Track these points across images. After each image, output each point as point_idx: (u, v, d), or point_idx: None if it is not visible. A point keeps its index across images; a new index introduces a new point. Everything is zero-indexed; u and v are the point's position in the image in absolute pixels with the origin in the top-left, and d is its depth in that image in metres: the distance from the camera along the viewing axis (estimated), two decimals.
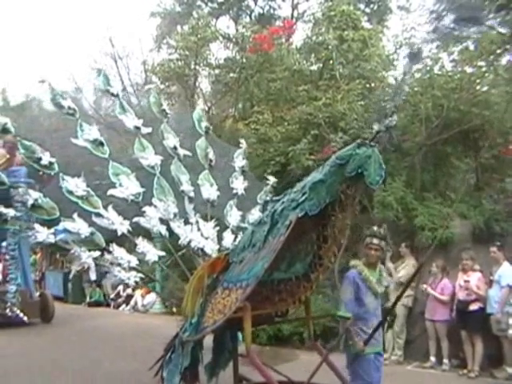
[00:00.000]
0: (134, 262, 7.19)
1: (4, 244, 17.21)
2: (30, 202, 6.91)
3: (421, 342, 10.51)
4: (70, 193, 7.12)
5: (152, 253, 7.28)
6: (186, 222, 7.73)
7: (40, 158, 7.24)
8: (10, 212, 6.95)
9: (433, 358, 9.98)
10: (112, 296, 19.46)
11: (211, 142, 8.98)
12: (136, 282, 7.22)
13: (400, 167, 12.83)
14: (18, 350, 10.61)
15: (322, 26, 17.20)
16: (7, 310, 12.55)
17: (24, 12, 69.84)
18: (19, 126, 14.08)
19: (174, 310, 16.12)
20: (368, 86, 15.64)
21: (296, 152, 13.32)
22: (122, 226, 7.16)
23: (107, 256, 7.06)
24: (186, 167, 8.39)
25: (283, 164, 13.83)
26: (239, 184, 8.55)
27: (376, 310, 5.72)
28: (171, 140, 8.27)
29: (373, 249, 5.70)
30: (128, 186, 7.42)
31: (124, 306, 18.16)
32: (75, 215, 6.92)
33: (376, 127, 4.72)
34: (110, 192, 7.37)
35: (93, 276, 19.68)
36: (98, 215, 7.15)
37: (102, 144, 7.73)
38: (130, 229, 7.31)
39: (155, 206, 7.48)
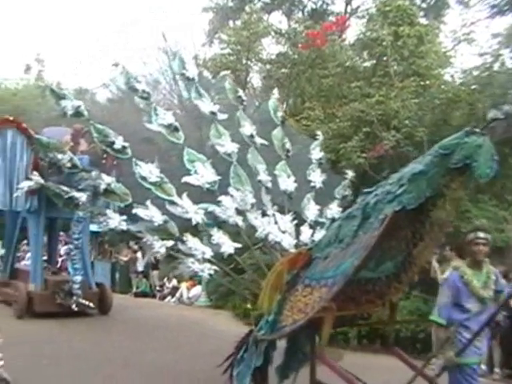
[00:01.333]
0: (209, 253, 6.63)
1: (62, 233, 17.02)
2: (103, 186, 6.58)
3: None
4: (144, 179, 6.77)
5: (228, 244, 6.78)
6: (264, 214, 7.30)
7: (113, 142, 6.93)
8: (83, 196, 6.52)
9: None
10: (158, 287, 19.65)
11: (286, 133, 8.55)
12: (210, 275, 6.65)
13: None
14: (67, 338, 10.74)
15: (377, 22, 16.74)
16: (72, 301, 12.31)
17: (77, 6, 71.12)
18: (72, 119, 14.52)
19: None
20: (423, 83, 15.08)
21: (347, 149, 13.06)
22: (196, 215, 6.71)
23: (181, 246, 6.57)
24: (262, 157, 7.96)
25: (333, 161, 13.22)
26: (317, 177, 8.08)
27: (481, 317, 5.08)
28: (248, 128, 7.85)
29: (480, 243, 5.15)
30: (203, 174, 7.03)
31: (169, 297, 18.17)
32: (148, 202, 6.56)
33: (492, 114, 4.16)
34: (185, 179, 6.99)
35: (140, 267, 20.18)
36: (172, 203, 6.77)
37: (176, 129, 7.38)
38: (205, 218, 6.86)
39: (231, 196, 7.05)
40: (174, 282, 18.69)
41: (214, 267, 6.68)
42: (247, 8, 21.48)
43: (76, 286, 12.36)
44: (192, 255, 6.52)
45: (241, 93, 8.29)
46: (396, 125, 13.23)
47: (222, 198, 6.93)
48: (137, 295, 19.11)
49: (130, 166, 6.92)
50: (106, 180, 6.63)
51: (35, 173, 7.83)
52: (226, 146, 7.46)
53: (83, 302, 12.38)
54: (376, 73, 16.04)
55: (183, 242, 6.58)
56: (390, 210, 4.52)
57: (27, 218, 13.75)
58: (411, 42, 15.35)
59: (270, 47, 20.82)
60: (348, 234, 5.13)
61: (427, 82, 15.49)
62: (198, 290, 17.09)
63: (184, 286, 17.65)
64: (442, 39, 18.04)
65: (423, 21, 18.19)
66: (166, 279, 19.38)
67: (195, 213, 6.69)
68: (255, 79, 21.37)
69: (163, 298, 18.54)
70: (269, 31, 19.83)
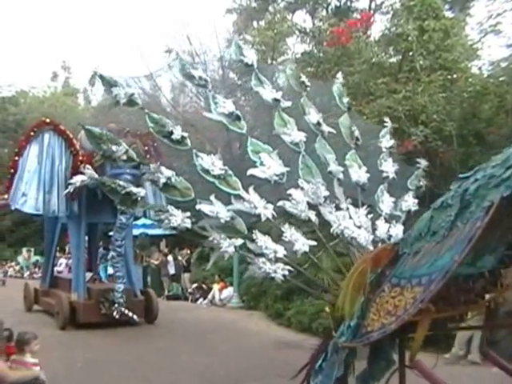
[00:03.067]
0: (281, 252, 5.94)
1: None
2: (162, 180, 5.96)
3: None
4: (206, 172, 6.15)
5: (301, 242, 6.07)
6: (337, 208, 6.61)
7: (171, 132, 6.31)
8: (141, 191, 6.02)
9: None
10: (190, 290, 19.81)
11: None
12: (284, 276, 5.91)
13: (484, 161, 12.37)
14: (100, 341, 10.94)
15: (402, 17, 16.68)
16: (114, 311, 11.74)
17: (103, 14, 71.95)
18: (98, 123, 14.43)
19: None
20: (450, 77, 14.90)
21: None
22: (266, 211, 6.06)
23: (250, 245, 5.90)
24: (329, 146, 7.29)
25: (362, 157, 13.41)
26: (389, 167, 7.45)
27: None
28: (313, 115, 7.20)
29: None
30: (270, 165, 6.39)
31: (201, 299, 18.30)
32: (212, 197, 5.93)
33: None
34: (251, 172, 6.33)
35: (171, 270, 20.33)
36: (238, 197, 6.11)
37: (238, 118, 6.78)
38: (275, 214, 6.20)
39: (302, 189, 6.40)
40: (206, 284, 18.91)
41: (288, 267, 5.99)
42: (271, 8, 21.52)
43: (118, 295, 11.80)
44: (263, 255, 5.89)
45: (304, 78, 7.70)
46: (424, 120, 13.12)
47: (291, 191, 6.33)
48: (169, 298, 19.11)
49: (190, 157, 6.41)
50: (166, 173, 6.03)
51: (88, 167, 7.24)
52: (293, 134, 6.88)
53: (126, 312, 11.81)
54: (402, 68, 15.90)
55: (252, 240, 5.95)
56: (497, 195, 3.88)
57: (67, 223, 13.28)
58: (437, 35, 15.16)
59: (295, 46, 20.87)
60: (443, 225, 4.49)
61: (454, 76, 15.24)
62: (229, 291, 17.13)
63: (216, 287, 17.78)
64: (469, 32, 17.85)
65: (449, 14, 18.00)
66: (199, 280, 19.58)
67: (264, 208, 6.07)
68: (281, 79, 21.41)
69: (195, 300, 18.69)
70: (293, 30, 19.79)
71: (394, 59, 17.15)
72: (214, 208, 5.90)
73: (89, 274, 14.09)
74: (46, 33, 74.59)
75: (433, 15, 15.57)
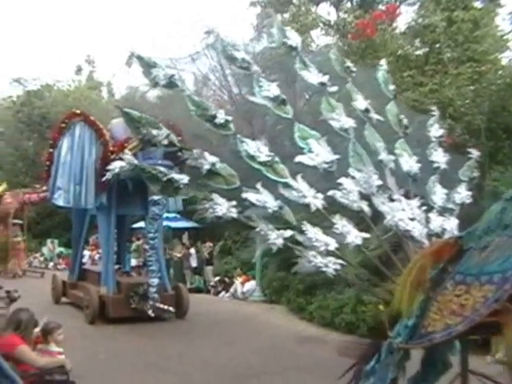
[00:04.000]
0: (333, 245, 5.50)
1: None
2: (206, 166, 5.51)
3: None
4: (252, 158, 5.73)
5: (354, 235, 5.63)
6: (390, 199, 6.17)
7: (214, 116, 5.90)
8: (184, 179, 5.57)
9: None
10: (212, 283, 19.85)
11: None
12: (336, 270, 5.48)
13: None
14: (124, 332, 11.14)
15: (429, 8, 16.51)
16: (148, 306, 11.44)
17: (126, 7, 72.34)
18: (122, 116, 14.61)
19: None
20: (479, 69, 14.51)
21: None
22: (316, 201, 5.62)
23: (299, 237, 5.45)
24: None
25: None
26: (440, 157, 6.98)
27: None
28: (361, 102, 6.78)
29: None
30: (319, 153, 5.96)
31: (223, 293, 18.29)
32: (259, 185, 5.51)
33: None
34: (298, 159, 5.89)
35: (194, 263, 20.38)
36: (286, 186, 5.68)
37: (284, 102, 6.36)
38: (325, 204, 5.74)
39: (353, 178, 5.95)
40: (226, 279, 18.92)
41: (340, 261, 5.56)
42: (295, 0, 21.40)
43: (153, 290, 11.43)
44: (313, 247, 5.47)
45: (349, 63, 7.30)
46: (451, 113, 12.95)
47: (342, 180, 5.86)
48: (191, 291, 19.21)
49: (234, 143, 6.00)
50: (210, 159, 5.60)
51: (127, 151, 7.01)
52: (342, 120, 6.41)
53: (161, 306, 11.52)
54: (429, 60, 15.67)
55: (302, 231, 5.52)
56: None
57: (97, 216, 13.03)
58: (466, 26, 14.91)
59: (320, 39, 20.69)
60: None
61: (483, 68, 14.85)
62: (252, 284, 17.09)
63: (238, 281, 17.78)
64: (499, 22, 17.54)
65: (478, 4, 17.67)
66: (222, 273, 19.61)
67: (314, 197, 5.64)
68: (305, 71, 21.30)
69: (217, 293, 18.71)
70: (317, 23, 19.65)
71: (420, 51, 16.91)
72: (261, 197, 5.52)
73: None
74: (70, 27, 75.24)
75: (461, 6, 15.35)
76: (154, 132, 5.71)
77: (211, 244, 22.05)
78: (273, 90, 6.35)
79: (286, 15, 20.99)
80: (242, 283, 17.46)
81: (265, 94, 6.30)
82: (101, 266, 14.06)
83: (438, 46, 15.44)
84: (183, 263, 20.34)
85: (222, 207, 5.37)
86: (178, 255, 20.45)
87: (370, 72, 7.75)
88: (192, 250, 21.28)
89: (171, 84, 6.16)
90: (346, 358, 5.77)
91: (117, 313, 11.80)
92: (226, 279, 18.75)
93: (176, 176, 5.61)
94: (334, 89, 6.75)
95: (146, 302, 11.50)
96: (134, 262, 20.16)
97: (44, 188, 12.92)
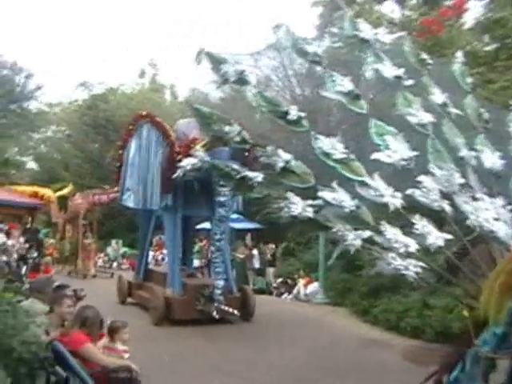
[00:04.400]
0: (414, 246, 5.13)
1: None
2: (280, 164, 5.29)
3: None
4: (326, 155, 5.46)
5: (435, 235, 5.21)
6: (473, 198, 5.73)
7: (287, 112, 5.68)
8: (258, 176, 5.35)
9: None
10: (274, 284, 19.88)
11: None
12: (417, 274, 5.06)
13: None
14: (187, 335, 11.13)
15: (499, 2, 16.08)
16: (213, 308, 11.32)
17: (188, 9, 73.28)
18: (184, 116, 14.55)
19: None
20: None
21: None
22: (394, 200, 5.30)
23: (377, 238, 5.12)
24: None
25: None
26: None
27: None
28: (438, 96, 6.44)
29: None
30: (396, 149, 5.64)
31: (286, 294, 18.31)
32: (334, 183, 5.23)
33: None
34: (375, 156, 5.58)
35: (256, 264, 20.45)
36: (363, 184, 5.39)
37: (358, 97, 6.14)
38: (404, 203, 5.39)
39: (433, 175, 5.58)
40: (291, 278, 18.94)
41: (421, 264, 5.12)
42: None
43: (218, 292, 11.32)
44: (392, 249, 5.13)
45: (424, 55, 7.03)
46: None
47: (422, 177, 5.52)
48: (253, 292, 19.40)
49: (308, 140, 5.76)
50: (284, 156, 5.36)
51: (198, 148, 6.76)
52: (420, 115, 6.10)
53: (226, 308, 11.37)
54: (499, 56, 15.18)
55: (380, 232, 5.19)
56: None
57: (163, 216, 13.03)
58: None
59: (384, 37, 20.46)
60: None
61: None
62: (314, 286, 17.03)
63: (301, 282, 17.76)
64: None
65: None
66: (281, 278, 19.64)
67: (392, 196, 5.32)
68: (369, 71, 21.14)
69: (280, 294, 18.74)
70: (381, 21, 19.43)
71: (489, 47, 16.47)
72: (338, 195, 5.22)
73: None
74: (134, 31, 76.83)
75: None
76: (226, 128, 5.53)
77: (274, 245, 22.10)
78: (346, 84, 6.16)
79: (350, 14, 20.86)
80: (305, 285, 17.40)
81: (338, 89, 6.08)
82: (166, 267, 14.15)
83: (509, 41, 14.98)
84: (246, 264, 20.40)
85: (298, 206, 5.14)
86: (241, 256, 20.53)
87: (445, 65, 7.47)
88: (255, 251, 21.35)
89: (241, 80, 5.99)
90: (411, 363, 5.86)
91: (182, 315, 11.75)
92: (289, 281, 18.76)
93: (250, 174, 5.39)
94: (410, 82, 6.51)
95: (212, 303, 11.37)
96: (196, 263, 20.42)
97: (115, 189, 13.14)
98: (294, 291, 17.59)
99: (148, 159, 12.41)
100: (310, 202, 5.18)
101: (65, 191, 27.85)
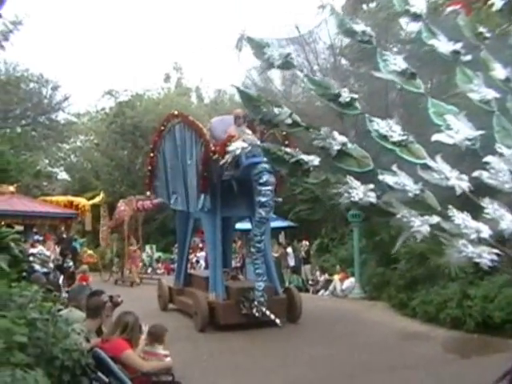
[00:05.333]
0: (486, 232, 4.69)
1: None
2: (336, 147, 4.97)
3: None
4: (384, 138, 5.16)
5: (509, 219, 4.78)
6: None
7: (338, 94, 5.35)
8: (315, 160, 5.05)
9: None
10: (310, 281, 19.91)
11: None
12: (492, 261, 4.60)
13: None
14: (223, 334, 11.09)
15: None
16: (254, 310, 10.86)
17: (210, 12, 73.57)
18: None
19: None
20: None
21: None
22: (461, 183, 4.91)
23: (444, 224, 4.74)
24: None
25: None
26: None
27: None
28: (500, 71, 6.00)
29: None
30: (459, 129, 5.25)
31: (322, 291, 18.28)
32: (394, 167, 4.94)
33: None
34: (435, 137, 5.23)
35: (291, 262, 20.45)
36: (425, 167, 5.05)
37: (413, 76, 5.76)
38: (471, 186, 4.98)
39: (501, 155, 5.14)
40: (327, 275, 18.94)
41: (495, 251, 4.68)
42: None
43: (259, 294, 10.82)
44: (462, 235, 4.72)
45: (482, 29, 6.65)
46: None
47: (489, 158, 5.11)
48: None
49: (362, 123, 5.53)
50: (340, 139, 5.04)
51: (248, 131, 6.40)
52: (483, 91, 5.68)
53: (268, 313, 10.82)
54: None
55: (448, 217, 4.81)
56: None
57: (202, 219, 12.57)
58: None
59: (409, 26, 20.31)
60: None
61: None
62: (351, 282, 16.88)
63: (336, 278, 17.74)
64: None
65: None
66: (317, 273, 19.69)
67: (458, 179, 4.93)
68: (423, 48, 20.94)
69: (316, 291, 18.73)
70: (406, 10, 19.35)
71: None
72: (400, 179, 4.87)
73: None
74: (156, 36, 77.38)
75: None
76: (276, 110, 5.25)
77: (307, 242, 22.13)
78: (399, 63, 5.82)
79: (373, 4, 20.74)
80: (341, 281, 17.36)
81: (392, 69, 5.75)
82: (207, 271, 13.83)
83: None
84: (281, 263, 20.44)
85: (359, 191, 4.82)
86: (276, 255, 20.49)
87: (504, 39, 6.98)
88: (289, 250, 21.30)
89: (287, 64, 5.71)
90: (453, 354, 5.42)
91: (227, 319, 11.29)
92: (326, 275, 18.76)
93: (305, 157, 5.07)
94: (468, 58, 6.11)
95: (255, 306, 10.90)
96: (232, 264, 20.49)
97: (147, 193, 12.96)
98: (331, 287, 17.48)
99: (185, 160, 12.02)
100: (371, 186, 4.86)
101: (96, 200, 28.14)
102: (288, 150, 5.22)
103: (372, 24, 17.52)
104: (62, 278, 14.96)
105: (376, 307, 14.13)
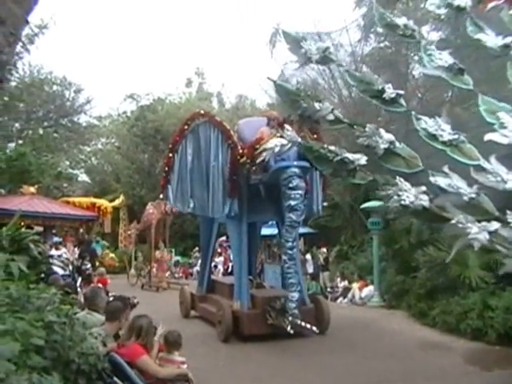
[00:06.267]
0: None
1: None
2: (383, 145, 4.67)
3: None
4: (433, 137, 4.81)
5: None
6: None
7: (382, 91, 5.03)
8: (361, 159, 4.80)
9: None
10: (329, 288, 19.77)
11: None
12: None
13: None
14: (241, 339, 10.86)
15: None
16: (286, 323, 10.08)
17: (231, 17, 73.74)
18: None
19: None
20: None
21: None
22: None
23: (502, 231, 4.35)
24: None
25: None
26: None
27: None
28: None
29: None
30: None
31: (341, 298, 18.10)
32: (446, 168, 4.60)
33: None
34: (488, 137, 4.87)
35: (310, 268, 20.32)
36: (479, 169, 4.69)
37: (461, 71, 5.44)
38: None
39: None
40: (345, 282, 18.82)
41: None
42: None
43: (292, 305, 10.02)
44: None
45: None
46: None
47: None
48: None
49: (407, 121, 5.25)
50: (387, 137, 4.76)
51: (288, 127, 5.86)
52: None
53: (303, 324, 10.08)
54: None
55: (506, 223, 4.42)
56: None
57: (227, 224, 12.00)
58: None
59: (430, 34, 20.23)
60: None
61: None
62: (370, 290, 16.65)
63: (355, 286, 17.57)
64: None
65: None
66: (338, 279, 19.55)
67: None
68: (416, 70, 20.87)
69: (335, 299, 18.57)
70: (427, 18, 19.21)
71: None
72: (454, 182, 4.48)
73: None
74: (179, 42, 77.70)
75: None
76: (317, 105, 4.91)
77: (325, 250, 22.01)
78: (446, 58, 5.44)
79: (394, 13, 20.65)
80: (360, 288, 17.21)
81: (438, 64, 5.40)
82: (231, 277, 13.35)
83: None
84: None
85: (409, 194, 4.45)
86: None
87: None
88: (308, 256, 21.13)
89: (325, 58, 5.42)
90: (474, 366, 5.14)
91: (252, 330, 10.64)
92: (346, 283, 18.64)
93: (351, 156, 4.75)
94: None
95: (284, 317, 10.17)
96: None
97: (160, 196, 12.04)
98: (349, 295, 17.28)
99: (208, 162, 11.23)
100: (423, 188, 4.54)
101: (116, 202, 28.21)
102: (332, 147, 4.93)
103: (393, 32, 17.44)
104: (79, 280, 14.97)
105: (395, 316, 13.93)
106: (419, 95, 18.65)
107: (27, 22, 3.34)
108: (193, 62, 73.93)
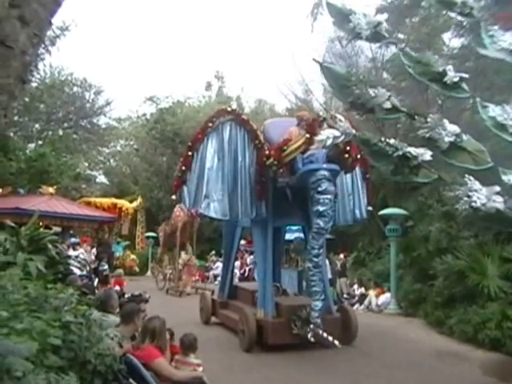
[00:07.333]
0: None
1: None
2: (447, 138, 4.09)
3: None
4: (501, 127, 4.14)
5: None
6: None
7: (443, 73, 4.45)
8: (426, 154, 4.35)
9: None
10: (345, 295, 19.68)
11: None
12: None
13: None
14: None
15: None
16: (309, 332, 9.60)
17: (251, 22, 73.87)
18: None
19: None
20: None
21: None
22: None
23: None
24: None
25: None
26: None
27: None
28: None
29: None
30: None
31: (357, 305, 18.00)
32: None
33: None
34: None
35: (328, 274, 20.21)
36: None
37: None
38: None
39: None
40: (362, 289, 18.74)
41: None
42: (424, 3, 20.94)
43: (315, 314, 9.53)
44: None
45: None
46: None
47: None
48: None
49: (470, 109, 4.55)
50: (451, 129, 4.20)
51: (341, 118, 5.14)
52: None
53: (325, 335, 9.46)
54: None
55: None
56: None
57: (251, 228, 11.57)
58: None
59: (452, 41, 20.07)
60: None
61: None
62: (386, 297, 16.56)
63: (372, 293, 17.50)
64: None
65: None
66: (355, 286, 19.47)
67: None
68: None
69: (351, 305, 18.52)
70: (449, 25, 19.11)
71: None
72: None
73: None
74: (199, 45, 77.96)
75: None
76: (371, 92, 4.38)
77: (343, 256, 21.93)
78: (509, 39, 4.77)
79: (415, 19, 20.58)
80: (377, 296, 17.10)
81: (502, 46, 4.72)
82: (254, 283, 13.04)
83: None
84: None
85: (481, 195, 3.83)
86: None
87: None
88: (326, 262, 21.24)
89: (377, 35, 4.81)
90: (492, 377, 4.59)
91: (277, 339, 10.16)
92: (363, 289, 18.55)
93: (413, 150, 4.33)
94: None
95: (308, 326, 9.69)
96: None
97: (173, 197, 11.14)
98: (366, 302, 17.21)
99: (234, 163, 10.57)
100: (496, 188, 3.95)
101: (134, 204, 28.32)
102: (392, 141, 4.44)
103: (414, 39, 17.35)
104: (96, 281, 15.03)
105: (412, 324, 13.82)
106: (439, 102, 18.56)
107: (51, 24, 3.36)
108: (213, 66, 74.05)
